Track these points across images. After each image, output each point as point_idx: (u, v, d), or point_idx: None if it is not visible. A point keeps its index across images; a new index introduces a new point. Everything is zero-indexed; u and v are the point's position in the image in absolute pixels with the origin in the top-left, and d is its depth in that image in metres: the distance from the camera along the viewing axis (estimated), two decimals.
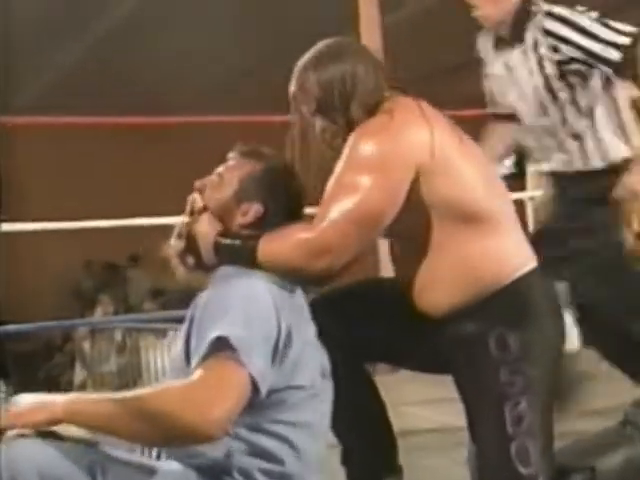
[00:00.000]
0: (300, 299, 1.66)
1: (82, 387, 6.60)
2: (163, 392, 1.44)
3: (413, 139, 1.68)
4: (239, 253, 1.65)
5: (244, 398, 1.42)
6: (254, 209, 1.68)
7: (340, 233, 1.63)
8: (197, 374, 1.42)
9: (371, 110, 1.74)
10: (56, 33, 6.94)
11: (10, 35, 6.56)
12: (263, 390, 1.45)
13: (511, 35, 2.34)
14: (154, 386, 1.55)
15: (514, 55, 2.35)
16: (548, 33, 2.26)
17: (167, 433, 1.39)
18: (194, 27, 7.00)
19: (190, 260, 1.71)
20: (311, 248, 1.62)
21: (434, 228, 1.72)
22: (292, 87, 1.84)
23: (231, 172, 1.73)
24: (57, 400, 1.44)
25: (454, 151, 1.72)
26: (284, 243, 1.63)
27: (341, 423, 1.83)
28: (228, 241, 1.67)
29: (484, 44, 2.50)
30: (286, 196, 1.72)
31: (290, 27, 6.91)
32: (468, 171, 1.73)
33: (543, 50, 2.28)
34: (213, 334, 1.45)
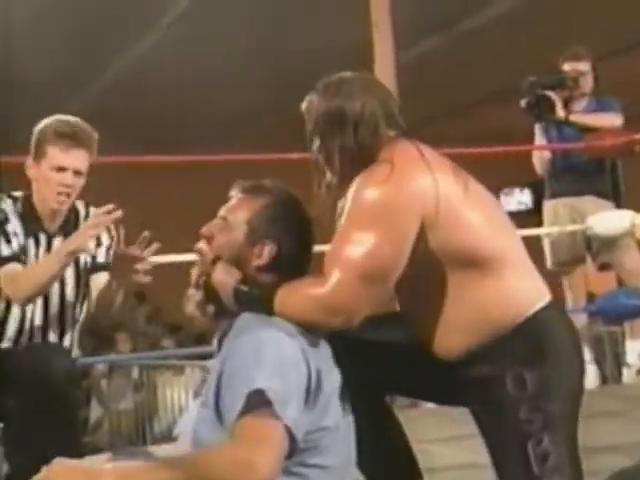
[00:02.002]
0: (323, 342, 1.65)
1: (98, 424, 6.58)
2: (210, 456, 1.42)
3: (417, 190, 1.67)
4: (257, 303, 1.64)
5: (284, 450, 1.42)
6: (268, 249, 1.66)
7: (352, 292, 1.62)
8: (239, 434, 1.42)
9: (370, 152, 1.74)
10: (75, 69, 7.03)
11: (29, 70, 6.67)
12: (299, 438, 1.46)
13: None
14: (198, 450, 1.54)
15: None
16: None
17: None
18: (213, 63, 7.07)
19: (210, 309, 1.69)
20: (324, 307, 1.62)
21: (442, 276, 1.71)
22: (302, 108, 1.85)
23: (236, 213, 1.69)
24: (105, 469, 1.38)
25: (459, 198, 1.71)
26: (298, 300, 1.63)
27: (366, 461, 1.83)
28: (247, 289, 1.65)
29: None
30: (298, 228, 1.70)
31: (309, 62, 6.99)
32: (474, 217, 1.72)
33: None
34: (249, 387, 1.44)
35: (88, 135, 2.44)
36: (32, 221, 2.45)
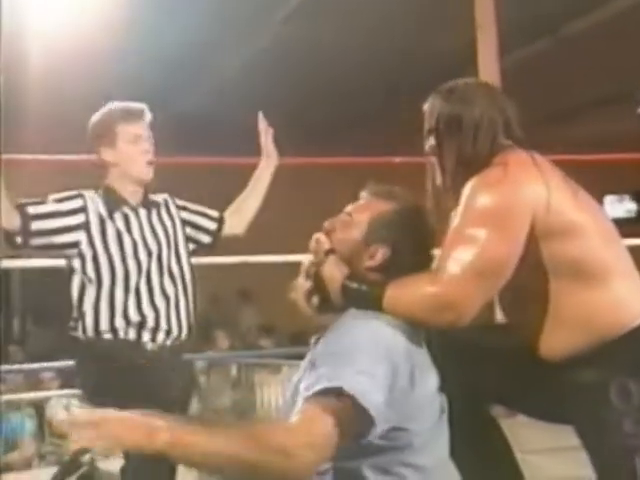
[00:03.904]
0: (424, 344, 1.66)
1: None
2: (263, 437, 1.41)
3: (530, 193, 1.69)
4: (365, 299, 1.65)
5: (337, 437, 1.42)
6: (382, 252, 1.68)
7: (464, 288, 1.62)
8: (299, 416, 1.44)
9: (485, 159, 1.76)
10: (173, 80, 7.21)
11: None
12: (379, 426, 1.47)
13: None
14: (258, 426, 1.52)
15: None
16: None
17: (256, 474, 1.40)
18: (319, 67, 7.14)
19: (315, 300, 1.71)
20: (437, 303, 1.62)
21: (550, 280, 1.71)
22: (424, 108, 1.89)
23: (361, 212, 1.73)
24: (163, 424, 1.34)
25: (569, 205, 1.72)
26: (410, 296, 1.63)
27: (467, 467, 1.84)
28: (355, 285, 1.67)
29: None
30: (415, 239, 1.71)
31: (413, 64, 6.98)
32: (582, 224, 1.72)
33: None
34: (331, 382, 1.45)
35: (144, 108, 2.65)
36: (116, 198, 2.59)
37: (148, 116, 2.65)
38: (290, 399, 1.64)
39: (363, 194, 1.77)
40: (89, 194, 2.60)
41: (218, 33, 6.32)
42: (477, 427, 1.87)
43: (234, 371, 6.72)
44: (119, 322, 2.47)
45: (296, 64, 7.02)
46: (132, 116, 2.61)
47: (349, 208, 1.75)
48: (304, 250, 1.79)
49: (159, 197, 2.72)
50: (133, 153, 2.59)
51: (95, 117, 2.64)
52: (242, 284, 9.23)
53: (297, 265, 1.78)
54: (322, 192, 8.39)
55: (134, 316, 2.48)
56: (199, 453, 1.36)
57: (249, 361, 6.50)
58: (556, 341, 1.73)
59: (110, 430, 1.32)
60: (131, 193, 2.61)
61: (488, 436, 1.92)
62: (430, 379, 1.62)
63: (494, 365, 1.84)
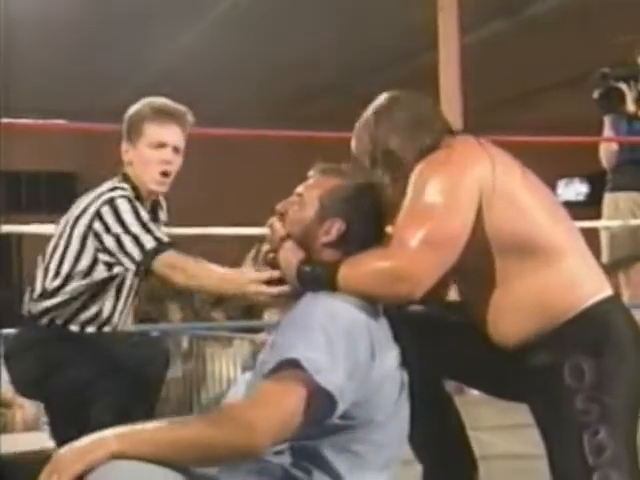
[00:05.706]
0: (384, 319, 1.66)
1: None
2: (217, 417, 1.44)
3: (477, 171, 1.71)
4: (320, 281, 1.65)
5: (299, 415, 1.43)
6: (336, 226, 1.68)
7: (417, 260, 1.63)
8: (253, 395, 1.46)
9: (433, 147, 1.78)
10: (130, 55, 7.12)
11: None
12: (341, 405, 1.47)
13: None
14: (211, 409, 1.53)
15: None
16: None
17: (217, 453, 1.40)
18: (272, 42, 7.08)
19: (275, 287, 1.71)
20: (390, 276, 1.62)
21: (498, 261, 1.73)
22: (352, 143, 1.92)
23: (312, 191, 1.73)
24: (108, 433, 1.36)
25: (515, 184, 1.74)
26: (363, 271, 1.63)
27: (419, 443, 1.86)
28: (309, 268, 1.67)
29: None
30: (368, 212, 1.72)
31: (373, 41, 6.96)
32: (530, 203, 1.74)
33: None
34: (284, 355, 1.46)
35: (184, 112, 2.41)
36: (136, 191, 2.37)
37: (186, 121, 2.40)
38: (254, 380, 1.62)
39: (311, 173, 1.77)
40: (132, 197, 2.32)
41: (172, 5, 6.25)
42: (433, 403, 1.88)
43: (185, 343, 6.71)
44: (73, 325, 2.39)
45: (250, 37, 6.96)
46: (164, 117, 2.35)
47: (299, 189, 1.75)
48: (257, 223, 1.78)
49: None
50: (150, 160, 2.34)
51: (130, 109, 2.41)
52: (195, 256, 9.19)
53: (251, 237, 1.77)
54: (275, 165, 8.39)
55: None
56: (153, 440, 1.36)
57: (201, 333, 6.49)
58: (508, 328, 1.74)
59: (65, 464, 1.32)
60: (146, 198, 2.39)
61: (443, 412, 1.94)
62: (390, 355, 1.62)
63: (452, 341, 1.85)
